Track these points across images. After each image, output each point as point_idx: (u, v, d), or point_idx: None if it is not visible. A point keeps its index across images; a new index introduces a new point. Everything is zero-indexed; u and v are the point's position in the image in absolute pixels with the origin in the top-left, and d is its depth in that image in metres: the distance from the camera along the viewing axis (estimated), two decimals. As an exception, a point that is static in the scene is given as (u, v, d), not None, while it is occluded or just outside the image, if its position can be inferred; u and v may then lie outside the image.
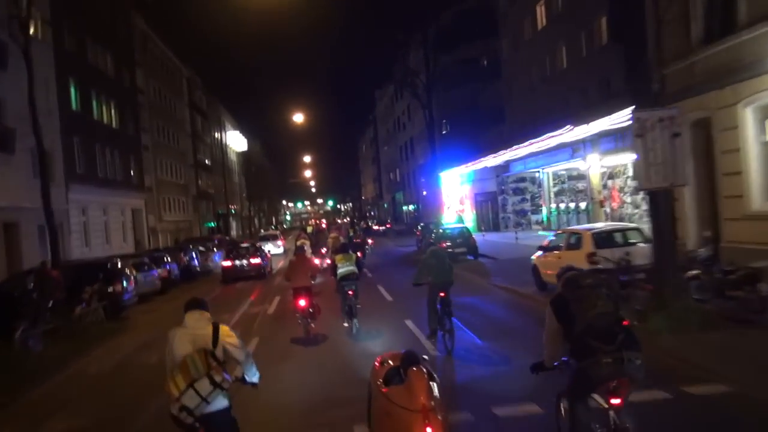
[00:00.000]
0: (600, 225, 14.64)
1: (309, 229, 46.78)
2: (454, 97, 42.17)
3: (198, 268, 25.92)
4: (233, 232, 73.49)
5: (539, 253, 13.78)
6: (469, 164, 38.45)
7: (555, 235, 14.20)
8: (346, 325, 10.93)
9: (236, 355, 4.39)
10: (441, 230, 24.95)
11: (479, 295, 14.64)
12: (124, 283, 15.02)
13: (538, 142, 26.21)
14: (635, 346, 4.04)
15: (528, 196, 36.53)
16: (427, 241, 22.93)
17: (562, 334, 4.31)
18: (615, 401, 4.09)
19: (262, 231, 73.51)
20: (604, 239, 11.77)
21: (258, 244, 28.72)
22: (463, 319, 11.29)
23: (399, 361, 4.66)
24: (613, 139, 22.20)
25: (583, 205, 27.66)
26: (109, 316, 13.78)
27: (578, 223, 27.69)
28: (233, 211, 75.76)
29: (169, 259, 22.75)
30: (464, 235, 23.69)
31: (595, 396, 4.26)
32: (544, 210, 32.45)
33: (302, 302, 10.70)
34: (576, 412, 4.21)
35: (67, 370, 10.04)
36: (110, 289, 14.53)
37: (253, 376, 4.57)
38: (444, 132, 44.01)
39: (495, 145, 35.01)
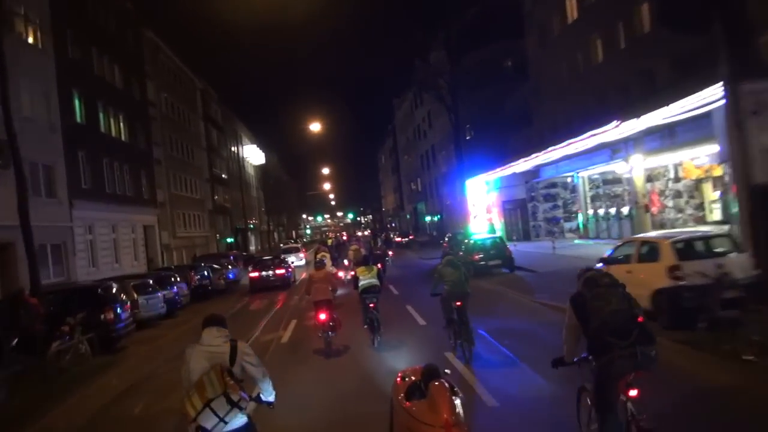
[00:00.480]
0: (676, 232, 12.41)
1: (329, 242, 45.27)
2: (478, 101, 40.12)
3: (210, 287, 24.12)
4: (252, 247, 72.06)
5: (599, 265, 11.61)
6: (496, 170, 36.40)
7: (617, 246, 12.00)
8: (367, 328, 10.94)
9: (254, 373, 4.22)
10: (472, 241, 22.73)
11: (526, 316, 12.52)
12: (118, 310, 13.16)
13: (576, 142, 24.06)
14: (649, 340, 4.25)
15: (560, 203, 34.42)
16: (455, 252, 20.98)
17: (581, 330, 4.47)
18: (632, 393, 4.26)
19: (282, 245, 72.04)
20: (686, 249, 9.57)
21: (282, 257, 29.55)
22: (519, 352, 9.17)
23: (420, 375, 4.53)
24: (659, 137, 20.03)
25: (625, 210, 25.34)
26: (98, 350, 11.90)
27: (620, 231, 25.41)
28: (252, 226, 74.40)
29: (177, 278, 20.99)
30: (498, 246, 21.51)
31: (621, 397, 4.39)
32: (581, 217, 30.10)
33: (323, 316, 10.61)
34: (605, 410, 4.34)
35: (32, 425, 8.10)
36: (102, 317, 12.67)
37: (270, 395, 4.37)
38: (468, 138, 41.92)
39: (522, 150, 33.15)
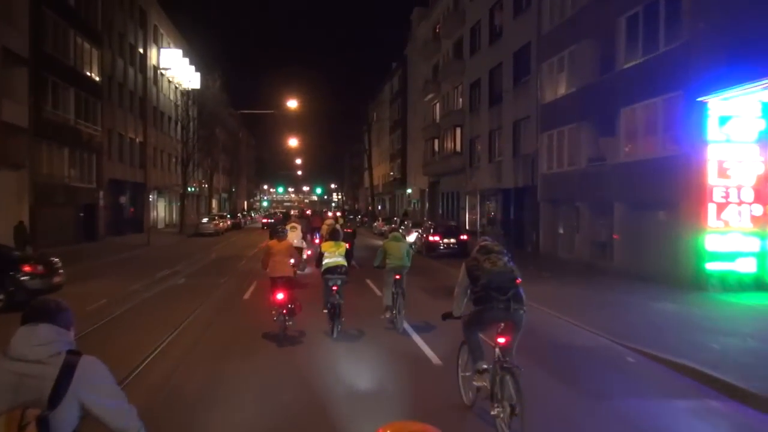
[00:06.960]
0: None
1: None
2: None
3: None
4: (157, 215, 43.39)
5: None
6: None
7: None
8: (327, 314, 9.54)
9: (108, 418, 2.25)
10: None
11: None
12: None
13: None
14: (521, 300, 5.35)
15: None
16: None
17: (470, 288, 5.51)
18: (501, 340, 5.39)
19: (205, 219, 43.48)
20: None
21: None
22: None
23: None
24: None
25: None
26: None
27: None
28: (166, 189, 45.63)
29: None
30: None
31: (482, 336, 5.66)
32: None
33: (280, 296, 9.16)
34: (470, 336, 5.64)
35: None
36: None
37: None
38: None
39: None
